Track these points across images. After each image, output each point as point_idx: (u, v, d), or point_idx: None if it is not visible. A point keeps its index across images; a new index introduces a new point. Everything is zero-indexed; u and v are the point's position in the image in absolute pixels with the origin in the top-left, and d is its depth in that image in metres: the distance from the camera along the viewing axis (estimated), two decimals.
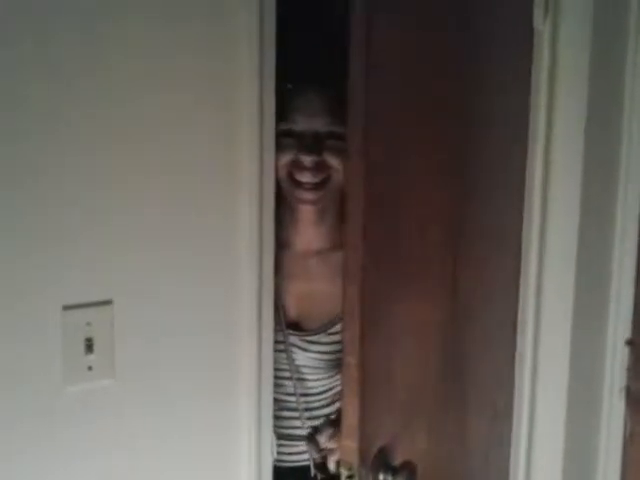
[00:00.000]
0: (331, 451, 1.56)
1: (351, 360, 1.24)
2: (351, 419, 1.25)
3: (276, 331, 1.45)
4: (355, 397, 1.24)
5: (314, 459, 1.65)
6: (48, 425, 1.18)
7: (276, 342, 1.42)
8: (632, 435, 1.63)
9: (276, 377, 1.42)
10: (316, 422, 1.66)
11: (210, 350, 1.31)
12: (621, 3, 1.43)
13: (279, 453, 1.44)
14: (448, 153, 1.40)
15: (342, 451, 1.30)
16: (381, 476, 1.29)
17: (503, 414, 1.60)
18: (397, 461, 1.31)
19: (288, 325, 1.59)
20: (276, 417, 1.40)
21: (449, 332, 1.46)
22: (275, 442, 1.39)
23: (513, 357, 1.59)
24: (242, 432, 1.34)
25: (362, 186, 1.21)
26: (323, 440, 1.59)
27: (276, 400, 1.42)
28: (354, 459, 1.25)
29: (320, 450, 1.60)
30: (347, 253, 1.26)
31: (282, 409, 1.61)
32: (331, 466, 1.55)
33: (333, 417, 1.67)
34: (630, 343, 1.61)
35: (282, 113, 1.45)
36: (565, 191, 1.48)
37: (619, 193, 1.55)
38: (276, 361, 1.43)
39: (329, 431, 1.58)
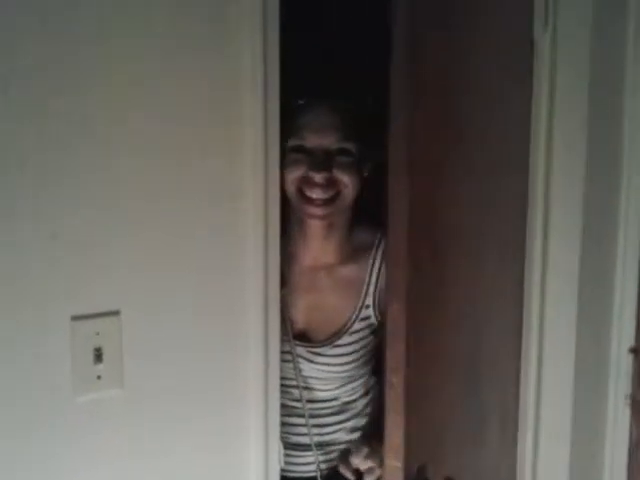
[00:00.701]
0: (370, 470, 1.55)
1: (395, 380, 1.23)
2: (396, 439, 1.24)
3: (283, 342, 1.46)
4: (400, 416, 1.23)
5: (321, 470, 1.65)
6: (58, 434, 1.19)
7: (283, 352, 1.43)
8: (637, 442, 1.63)
9: (283, 385, 1.43)
10: (323, 430, 1.67)
11: (217, 360, 1.32)
12: (619, 13, 1.44)
13: (286, 463, 1.44)
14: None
15: (387, 471, 1.29)
16: None
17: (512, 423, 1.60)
18: (437, 478, 1.30)
19: (295, 336, 1.61)
20: (283, 425, 1.41)
21: (469, 346, 1.46)
22: (282, 451, 1.39)
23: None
24: (249, 441, 1.35)
25: (406, 200, 1.19)
26: (358, 461, 1.58)
27: (283, 406, 1.42)
28: (399, 478, 1.24)
29: (355, 471, 1.58)
30: (390, 269, 1.23)
31: (289, 415, 1.61)
32: None
33: (348, 432, 1.68)
34: (634, 351, 1.61)
35: (293, 129, 1.47)
36: (567, 199, 1.48)
37: (622, 200, 1.55)
38: (283, 371, 1.44)
39: (364, 450, 1.57)
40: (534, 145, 1.48)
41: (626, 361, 1.62)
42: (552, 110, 1.43)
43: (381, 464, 1.41)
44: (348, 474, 1.60)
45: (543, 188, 1.48)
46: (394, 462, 1.24)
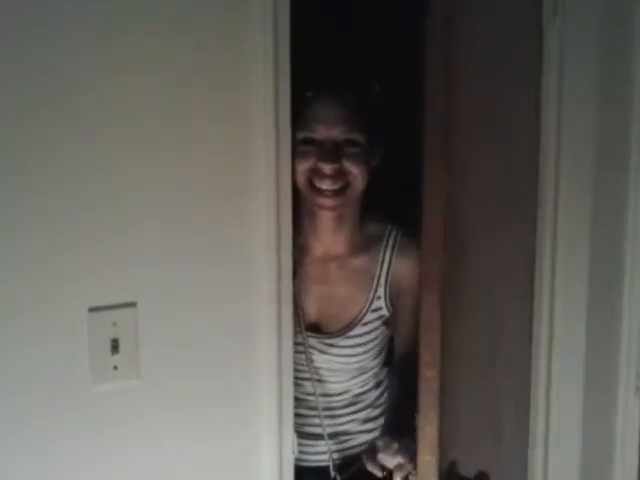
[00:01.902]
0: (399, 467, 1.46)
1: (430, 374, 1.21)
2: (430, 434, 1.22)
3: (295, 333, 1.47)
4: (435, 411, 1.21)
5: (334, 460, 1.66)
6: (75, 423, 1.20)
7: (295, 344, 1.45)
8: None
9: (296, 377, 1.43)
10: (335, 421, 1.68)
11: (231, 350, 1.33)
12: (628, 3, 1.45)
13: (299, 452, 1.45)
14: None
15: (421, 466, 1.26)
16: None
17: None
18: (470, 473, 1.29)
19: (308, 327, 1.62)
20: (296, 415, 1.41)
21: (489, 340, 1.46)
22: (296, 440, 1.40)
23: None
24: (263, 431, 1.36)
25: (443, 192, 1.17)
26: (387, 457, 1.48)
27: (296, 398, 1.43)
28: (433, 474, 1.22)
29: (383, 467, 1.50)
30: (425, 262, 1.21)
31: (302, 408, 1.63)
32: None
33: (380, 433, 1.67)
34: None
35: (302, 121, 1.49)
36: (576, 198, 1.50)
37: (630, 196, 1.57)
38: (295, 362, 1.45)
39: (393, 447, 1.47)
40: (544, 135, 1.49)
41: (637, 353, 1.63)
42: (561, 98, 1.44)
43: (411, 460, 1.38)
44: (376, 471, 1.52)
45: (553, 190, 1.49)
46: (428, 457, 1.22)
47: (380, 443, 1.51)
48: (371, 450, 1.54)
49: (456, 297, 1.30)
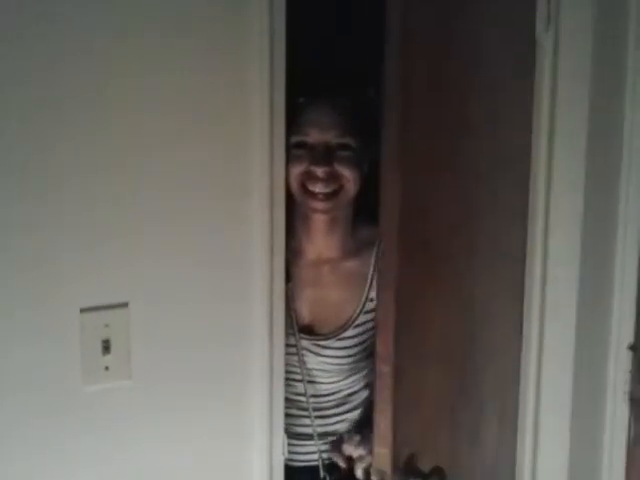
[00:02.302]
0: (360, 458, 1.56)
1: (384, 368, 1.25)
2: (384, 427, 1.26)
3: (288, 335, 1.49)
4: (389, 405, 1.25)
5: (323, 460, 1.68)
6: (67, 423, 1.22)
7: (288, 345, 1.46)
8: (636, 438, 1.65)
9: (287, 379, 1.45)
10: (326, 422, 1.70)
11: (223, 352, 1.34)
12: (621, 13, 1.45)
13: (289, 452, 1.46)
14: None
15: (375, 458, 1.31)
16: None
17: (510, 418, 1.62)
18: (426, 467, 1.32)
19: (301, 329, 1.63)
20: (287, 415, 1.44)
21: (465, 339, 1.48)
22: (286, 441, 1.42)
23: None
24: (254, 431, 1.38)
25: (398, 193, 1.22)
26: (350, 449, 1.60)
27: (287, 399, 1.45)
28: (387, 466, 1.27)
29: (347, 458, 1.61)
30: (382, 260, 1.27)
31: (292, 408, 1.64)
32: (359, 474, 1.54)
33: (351, 423, 1.71)
34: (633, 348, 1.63)
35: (294, 126, 1.50)
36: (567, 199, 1.50)
37: (621, 199, 1.56)
38: (288, 364, 1.47)
39: (356, 438, 1.60)
40: (535, 142, 1.50)
41: (625, 358, 1.63)
42: (554, 107, 1.45)
43: (371, 452, 1.43)
44: (340, 462, 1.63)
45: (544, 190, 1.50)
46: (382, 449, 1.27)
47: (345, 435, 1.62)
48: (338, 441, 1.64)
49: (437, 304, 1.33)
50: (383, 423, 1.26)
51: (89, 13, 1.15)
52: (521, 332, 1.60)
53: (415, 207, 1.29)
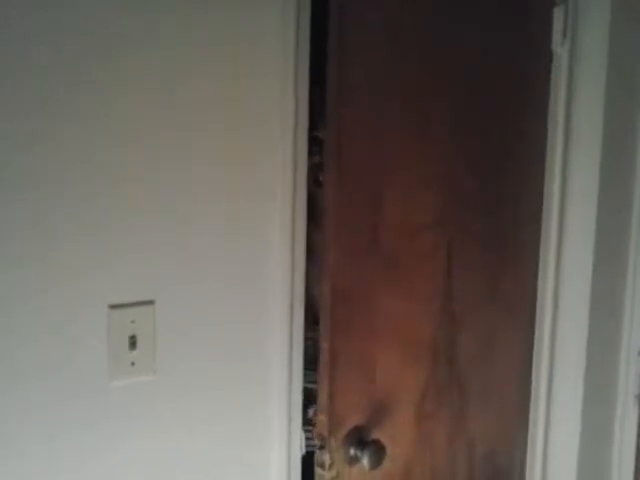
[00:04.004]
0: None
1: (324, 345, 1.38)
2: (323, 396, 1.39)
3: (307, 329, 1.52)
4: (326, 377, 1.38)
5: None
6: (92, 416, 1.24)
7: (307, 339, 1.50)
8: None
9: (305, 368, 1.49)
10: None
11: (245, 350, 1.37)
12: (636, 27, 1.47)
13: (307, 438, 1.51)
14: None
15: (317, 424, 1.42)
16: (352, 450, 1.43)
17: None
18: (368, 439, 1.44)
19: (316, 322, 1.66)
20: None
21: (444, 333, 1.56)
22: (304, 438, 1.45)
23: (516, 361, 1.65)
24: (273, 428, 1.41)
25: (336, 190, 1.35)
26: (312, 413, 1.64)
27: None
28: (324, 431, 1.39)
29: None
30: (322, 253, 1.38)
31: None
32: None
33: None
34: None
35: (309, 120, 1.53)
36: (582, 206, 1.53)
37: (634, 206, 1.58)
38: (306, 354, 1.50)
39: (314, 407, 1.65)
40: (550, 147, 1.53)
41: (635, 362, 1.65)
42: (569, 118, 1.48)
43: None
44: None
45: (559, 193, 1.52)
46: (322, 416, 1.40)
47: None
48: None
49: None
50: (322, 393, 1.40)
51: (100, 5, 1.18)
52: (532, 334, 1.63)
53: (368, 209, 1.42)
